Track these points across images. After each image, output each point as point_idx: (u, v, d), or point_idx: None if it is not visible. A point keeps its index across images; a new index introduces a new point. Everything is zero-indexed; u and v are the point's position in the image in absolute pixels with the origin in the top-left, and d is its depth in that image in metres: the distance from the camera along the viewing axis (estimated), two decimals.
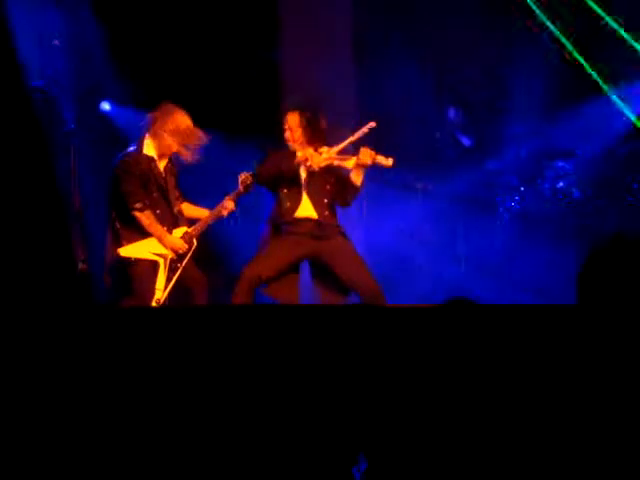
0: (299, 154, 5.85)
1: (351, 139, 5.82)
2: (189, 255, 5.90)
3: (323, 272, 5.89)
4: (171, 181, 5.97)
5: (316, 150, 5.85)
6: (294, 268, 5.93)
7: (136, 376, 3.66)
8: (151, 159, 5.87)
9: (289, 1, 7.46)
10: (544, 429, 3.27)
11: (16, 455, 3.43)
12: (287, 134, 5.91)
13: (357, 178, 5.85)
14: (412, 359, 3.62)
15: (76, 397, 3.58)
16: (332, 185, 5.91)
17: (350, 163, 5.83)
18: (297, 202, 5.84)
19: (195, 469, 3.49)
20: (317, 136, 5.87)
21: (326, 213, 5.87)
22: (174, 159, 5.98)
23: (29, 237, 3.96)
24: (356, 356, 3.69)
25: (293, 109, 5.91)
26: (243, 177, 5.91)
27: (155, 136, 5.86)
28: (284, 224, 5.87)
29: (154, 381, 3.64)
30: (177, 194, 6.03)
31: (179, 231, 5.94)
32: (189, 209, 6.09)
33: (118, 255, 5.80)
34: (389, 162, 5.78)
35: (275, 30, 7.46)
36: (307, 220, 5.85)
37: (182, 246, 5.87)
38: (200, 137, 5.90)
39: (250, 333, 3.79)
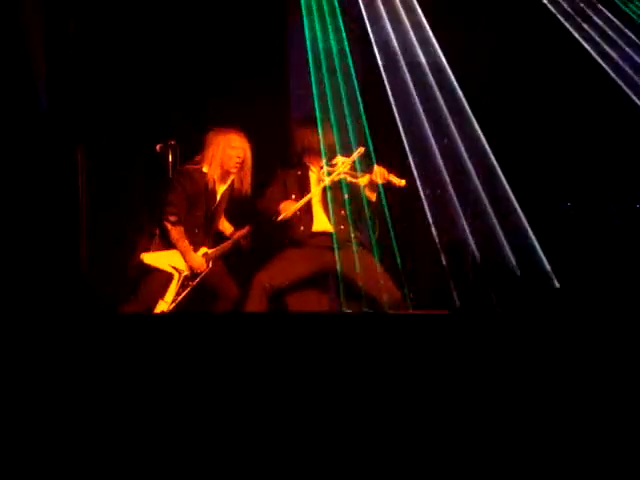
0: (312, 169, 5.93)
1: (354, 157, 5.91)
2: (202, 276, 5.89)
3: (345, 284, 5.90)
4: (222, 205, 5.98)
5: (330, 161, 5.90)
6: (313, 282, 5.98)
7: (137, 382, 3.63)
8: (209, 178, 5.88)
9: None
10: (544, 434, 3.27)
11: (15, 457, 3.40)
12: (298, 149, 5.95)
13: (371, 195, 5.91)
14: (415, 366, 3.60)
15: (74, 400, 3.56)
16: (350, 195, 5.94)
17: (363, 181, 5.89)
18: (311, 217, 5.91)
19: (196, 474, 3.46)
20: (327, 149, 5.89)
21: (342, 227, 5.92)
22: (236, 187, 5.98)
23: (36, 239, 3.97)
24: (360, 363, 3.67)
25: (305, 125, 5.96)
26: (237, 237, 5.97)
27: (213, 157, 5.88)
28: (301, 238, 5.92)
29: (156, 388, 3.62)
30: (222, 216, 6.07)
31: (200, 251, 5.92)
32: (224, 226, 6.13)
33: (140, 260, 5.80)
34: (402, 182, 5.87)
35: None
36: (323, 234, 5.90)
37: (201, 266, 5.86)
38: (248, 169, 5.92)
39: (255, 340, 3.77)
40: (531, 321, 3.93)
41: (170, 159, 5.99)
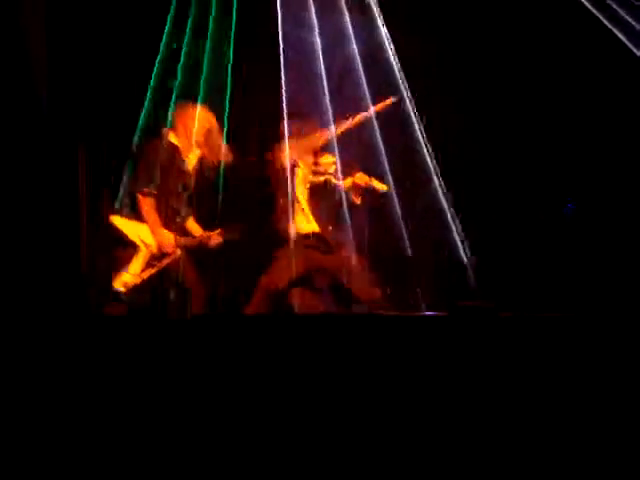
0: (299, 171, 5.96)
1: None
2: (167, 260, 5.77)
3: (331, 285, 6.00)
4: (194, 178, 5.91)
5: (316, 158, 5.97)
6: (308, 281, 5.98)
7: (137, 384, 3.64)
8: (177, 149, 5.84)
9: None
10: (543, 434, 3.28)
11: (13, 459, 3.40)
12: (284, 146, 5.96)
13: (356, 198, 6.05)
14: (415, 367, 3.61)
15: (73, 400, 3.56)
16: (333, 196, 6.03)
17: (346, 183, 6.03)
18: (300, 218, 5.95)
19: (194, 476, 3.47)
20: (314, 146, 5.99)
21: (330, 228, 6.01)
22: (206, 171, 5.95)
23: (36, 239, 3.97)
24: (360, 364, 3.68)
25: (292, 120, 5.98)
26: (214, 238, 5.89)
27: (179, 129, 5.86)
28: (291, 239, 5.92)
29: (157, 390, 3.62)
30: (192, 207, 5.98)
31: (170, 234, 5.86)
32: (192, 225, 6.03)
33: (110, 221, 5.72)
34: (384, 187, 6.06)
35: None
36: (309, 235, 5.95)
37: (170, 246, 5.75)
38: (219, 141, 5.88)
39: (255, 342, 3.77)
40: (532, 322, 3.95)
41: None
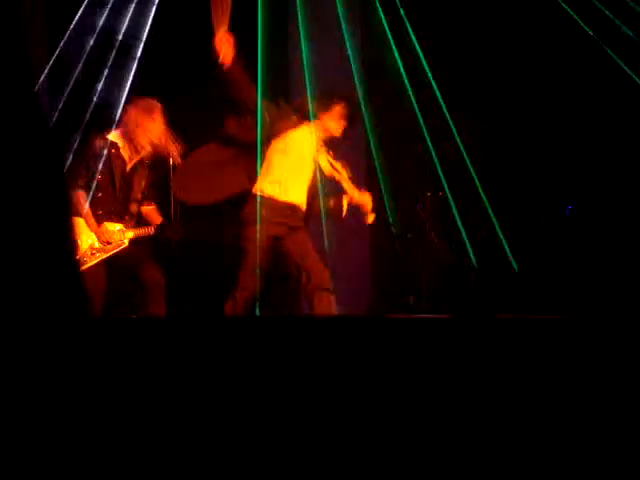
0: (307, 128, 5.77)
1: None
2: (113, 251, 5.80)
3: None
4: (137, 179, 5.90)
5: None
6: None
7: (137, 386, 3.61)
8: (113, 145, 5.84)
9: None
10: (548, 438, 3.27)
11: (13, 459, 3.37)
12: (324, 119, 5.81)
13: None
14: (417, 370, 3.59)
15: (71, 400, 3.52)
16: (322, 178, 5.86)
17: (349, 190, 5.82)
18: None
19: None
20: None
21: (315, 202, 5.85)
22: (156, 164, 5.94)
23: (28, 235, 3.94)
24: (361, 367, 3.65)
25: (341, 100, 5.84)
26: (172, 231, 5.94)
27: (122, 127, 5.88)
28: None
29: (154, 393, 3.59)
30: (142, 195, 5.94)
31: (114, 225, 5.85)
32: (151, 214, 6.02)
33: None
34: (370, 219, 5.83)
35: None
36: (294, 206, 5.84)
37: (103, 237, 5.79)
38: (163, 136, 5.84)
39: (255, 343, 3.75)
40: (534, 324, 3.93)
41: (171, 163, 5.95)
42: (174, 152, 5.82)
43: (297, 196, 5.77)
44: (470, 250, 6.59)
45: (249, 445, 3.33)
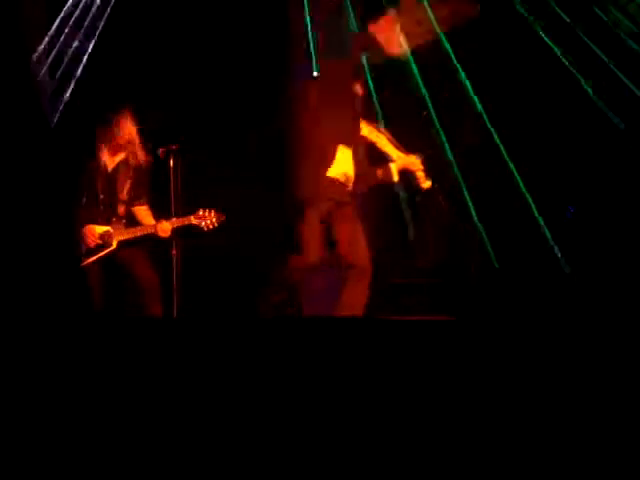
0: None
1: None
2: (101, 253, 5.78)
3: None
4: (121, 180, 5.90)
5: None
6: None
7: (137, 386, 3.61)
8: (98, 148, 5.90)
9: None
10: (550, 441, 3.26)
11: (13, 459, 3.37)
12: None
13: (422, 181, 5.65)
14: (419, 372, 3.59)
15: (71, 400, 3.53)
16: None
17: (392, 154, 5.62)
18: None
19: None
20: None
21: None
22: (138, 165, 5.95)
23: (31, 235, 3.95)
24: (363, 369, 3.65)
25: None
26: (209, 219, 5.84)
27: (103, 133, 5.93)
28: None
29: (156, 395, 3.59)
30: (132, 195, 5.93)
31: (102, 228, 5.83)
32: (142, 214, 5.99)
33: None
34: (427, 184, 5.59)
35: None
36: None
37: (88, 239, 5.77)
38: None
39: (256, 344, 3.75)
40: (534, 326, 3.92)
41: (171, 164, 5.94)
42: (140, 153, 5.88)
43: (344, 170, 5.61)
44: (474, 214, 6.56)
45: (249, 445, 3.32)
